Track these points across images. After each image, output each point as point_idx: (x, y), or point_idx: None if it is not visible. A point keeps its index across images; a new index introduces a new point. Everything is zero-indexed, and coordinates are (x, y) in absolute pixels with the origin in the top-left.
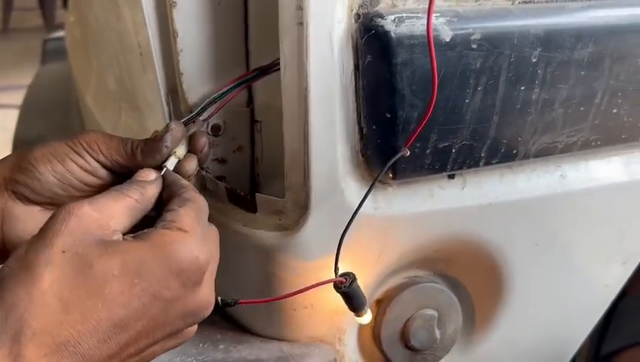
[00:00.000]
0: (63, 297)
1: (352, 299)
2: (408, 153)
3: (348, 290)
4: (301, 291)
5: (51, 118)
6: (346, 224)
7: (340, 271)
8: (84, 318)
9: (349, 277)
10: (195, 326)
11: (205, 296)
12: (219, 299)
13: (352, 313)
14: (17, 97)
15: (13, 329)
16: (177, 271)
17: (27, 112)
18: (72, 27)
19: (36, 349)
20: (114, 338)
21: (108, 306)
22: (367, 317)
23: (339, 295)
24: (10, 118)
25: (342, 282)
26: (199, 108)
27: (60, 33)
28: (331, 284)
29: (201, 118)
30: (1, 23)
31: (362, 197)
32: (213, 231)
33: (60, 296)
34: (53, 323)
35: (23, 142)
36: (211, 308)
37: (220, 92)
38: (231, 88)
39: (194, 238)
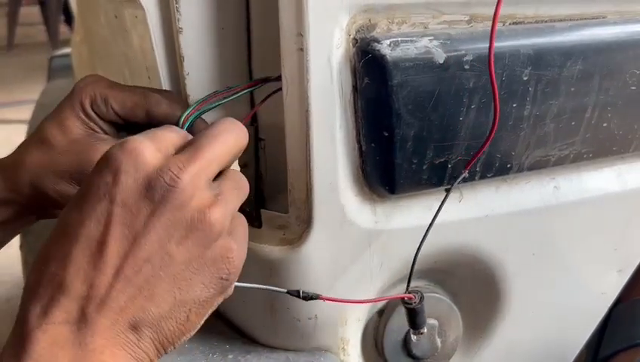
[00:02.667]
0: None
1: (417, 316)
2: (468, 175)
3: (416, 307)
4: (380, 300)
5: None
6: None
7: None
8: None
9: (418, 294)
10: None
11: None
12: (301, 291)
13: (411, 329)
14: (22, 113)
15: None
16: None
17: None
18: (78, 46)
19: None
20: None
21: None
22: (420, 337)
23: (343, 307)
24: (16, 133)
25: (411, 298)
26: (199, 113)
27: (66, 50)
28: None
29: None
30: (5, 40)
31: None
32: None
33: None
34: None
35: None
36: (234, 255)
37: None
38: (240, 92)
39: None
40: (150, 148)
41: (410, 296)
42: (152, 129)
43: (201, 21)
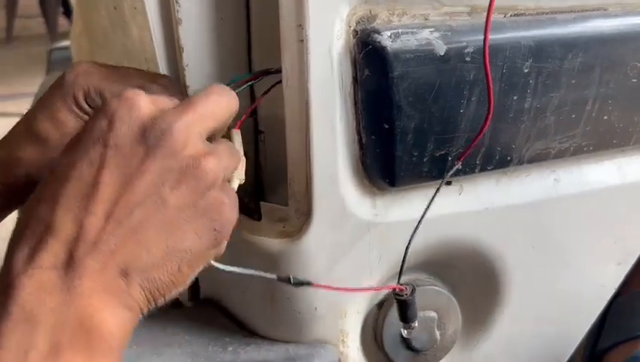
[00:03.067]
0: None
1: (407, 309)
2: (461, 166)
3: (407, 299)
4: (371, 289)
5: None
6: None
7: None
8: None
9: (410, 286)
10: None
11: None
12: (291, 277)
13: (402, 322)
14: (21, 105)
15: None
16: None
17: None
18: (77, 38)
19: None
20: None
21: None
22: (411, 332)
23: (342, 300)
24: None
25: (402, 290)
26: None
27: (65, 42)
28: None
29: None
30: (4, 32)
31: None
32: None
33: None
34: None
35: None
36: (227, 208)
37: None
38: (242, 87)
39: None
40: (146, 99)
41: (402, 287)
42: None
43: (200, 12)
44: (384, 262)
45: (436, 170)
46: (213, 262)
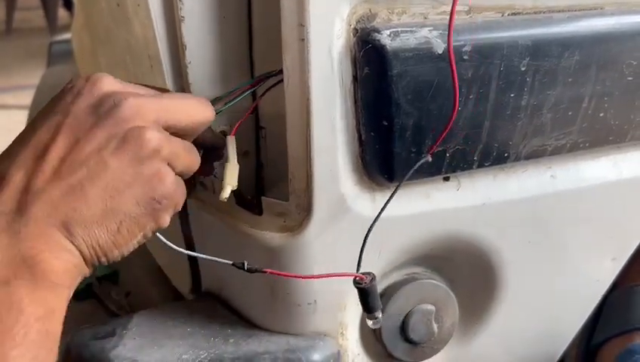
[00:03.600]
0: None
1: (368, 298)
2: (431, 159)
3: (367, 287)
4: (325, 276)
5: None
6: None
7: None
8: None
9: (370, 275)
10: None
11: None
12: (245, 263)
13: (365, 313)
14: (21, 98)
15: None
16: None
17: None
18: (79, 32)
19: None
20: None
21: None
22: (376, 322)
23: (341, 293)
24: (14, 119)
25: (362, 278)
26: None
27: (66, 35)
28: (337, 282)
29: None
30: (4, 24)
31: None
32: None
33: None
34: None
35: None
36: (168, 180)
37: (231, 102)
38: (240, 97)
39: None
40: (111, 79)
41: (361, 275)
42: None
43: (202, 10)
44: (383, 257)
45: (434, 166)
46: (158, 235)
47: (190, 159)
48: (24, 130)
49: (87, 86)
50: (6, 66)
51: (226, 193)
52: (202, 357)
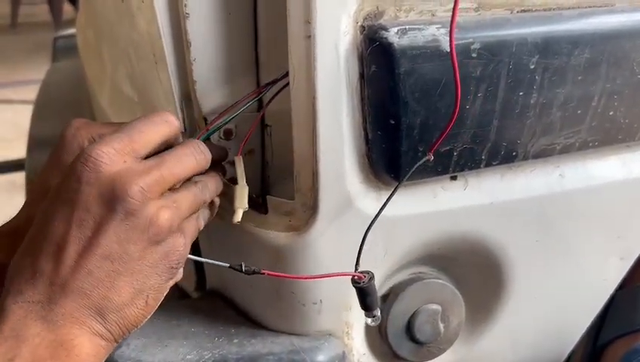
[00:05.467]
0: None
1: (366, 297)
2: (432, 158)
3: (365, 286)
4: (325, 276)
5: (64, 116)
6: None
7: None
8: None
9: (368, 274)
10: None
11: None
12: (243, 265)
13: (363, 311)
14: (26, 93)
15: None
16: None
17: (40, 111)
18: (83, 28)
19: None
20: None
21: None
22: (375, 320)
23: (347, 292)
24: (20, 114)
25: (360, 278)
26: (217, 126)
27: (70, 30)
28: (343, 282)
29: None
30: (9, 18)
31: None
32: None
33: None
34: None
35: (38, 141)
36: (182, 248)
37: (237, 111)
38: (247, 104)
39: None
40: (107, 155)
41: (360, 274)
42: (123, 127)
43: (207, 7)
44: (389, 256)
45: (441, 165)
46: None
47: (200, 202)
48: (40, 216)
49: (90, 171)
50: (11, 61)
51: (238, 216)
52: (206, 357)
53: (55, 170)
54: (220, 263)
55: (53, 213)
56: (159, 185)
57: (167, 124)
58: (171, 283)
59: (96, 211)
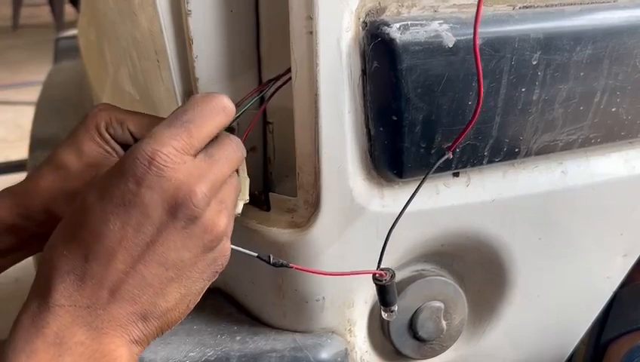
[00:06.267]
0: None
1: (387, 294)
2: (452, 156)
3: (387, 284)
4: (349, 274)
5: (66, 116)
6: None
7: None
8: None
9: (389, 272)
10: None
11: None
12: (271, 257)
13: (381, 306)
14: (29, 94)
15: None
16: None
17: (42, 112)
18: (85, 29)
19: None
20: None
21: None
22: (392, 315)
23: (350, 289)
24: (23, 115)
25: (382, 275)
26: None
27: (72, 31)
28: (345, 278)
29: None
30: (11, 20)
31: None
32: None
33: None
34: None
35: (40, 142)
36: (228, 252)
37: (241, 108)
38: (250, 101)
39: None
40: (171, 159)
41: (382, 272)
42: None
43: (210, 4)
44: (392, 254)
45: (444, 162)
46: None
47: (238, 191)
48: (88, 209)
49: (150, 174)
50: (13, 62)
51: (239, 209)
52: (209, 354)
53: (71, 148)
54: (249, 252)
55: (105, 212)
56: (216, 188)
57: (225, 114)
58: (209, 284)
59: (157, 217)
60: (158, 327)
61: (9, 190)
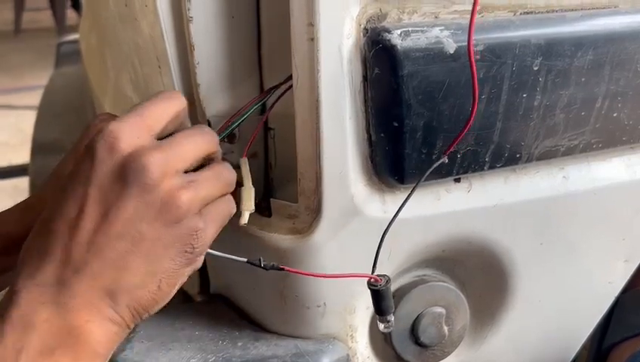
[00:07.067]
0: None
1: (382, 301)
2: (447, 160)
3: (382, 289)
4: (340, 276)
5: (67, 121)
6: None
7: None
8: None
9: (385, 277)
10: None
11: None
12: (261, 260)
13: (377, 316)
14: (30, 99)
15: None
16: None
17: (44, 116)
18: (86, 33)
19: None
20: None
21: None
22: (388, 326)
23: (351, 295)
24: (24, 120)
25: (377, 280)
26: (226, 132)
27: (74, 36)
28: (347, 284)
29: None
30: (13, 24)
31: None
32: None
33: None
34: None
35: (41, 146)
36: (200, 233)
37: (242, 116)
38: (251, 109)
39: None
40: (126, 135)
41: (376, 277)
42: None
43: (211, 10)
44: (393, 259)
45: (445, 167)
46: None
47: (225, 184)
48: (54, 199)
49: (104, 148)
50: (15, 67)
51: (245, 219)
52: (210, 360)
53: (72, 155)
54: (238, 258)
55: (66, 192)
56: (175, 162)
57: (174, 100)
58: (189, 270)
59: (110, 188)
60: (129, 306)
61: (18, 206)
